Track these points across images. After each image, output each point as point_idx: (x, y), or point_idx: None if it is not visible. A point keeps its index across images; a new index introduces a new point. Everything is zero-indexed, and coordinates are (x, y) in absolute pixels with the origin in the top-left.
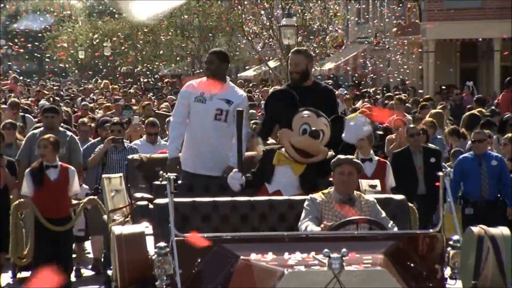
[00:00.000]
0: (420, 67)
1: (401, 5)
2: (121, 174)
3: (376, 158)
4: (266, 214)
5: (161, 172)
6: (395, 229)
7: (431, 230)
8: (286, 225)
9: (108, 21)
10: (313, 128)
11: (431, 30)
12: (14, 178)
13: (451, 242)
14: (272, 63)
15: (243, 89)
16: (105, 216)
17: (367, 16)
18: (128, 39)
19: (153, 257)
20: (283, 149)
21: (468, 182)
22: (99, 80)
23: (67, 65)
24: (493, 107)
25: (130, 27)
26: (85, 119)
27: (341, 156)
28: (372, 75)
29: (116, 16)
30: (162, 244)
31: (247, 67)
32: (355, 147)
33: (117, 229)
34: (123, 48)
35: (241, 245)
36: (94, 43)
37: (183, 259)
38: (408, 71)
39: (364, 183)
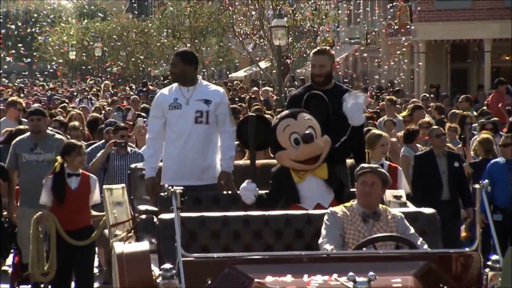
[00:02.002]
0: (409, 68)
1: (391, 5)
2: (123, 185)
3: (387, 163)
4: (281, 230)
5: (166, 185)
6: (425, 246)
7: (466, 249)
8: (304, 242)
9: (99, 21)
10: (303, 133)
11: (421, 31)
12: (6, 184)
13: (489, 263)
14: (263, 64)
15: (229, 93)
16: (106, 231)
17: (358, 20)
18: (118, 40)
19: (158, 280)
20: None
21: (497, 188)
22: (90, 81)
23: (58, 66)
24: (484, 108)
25: (121, 28)
26: (76, 123)
27: (365, 165)
28: (365, 77)
29: (107, 17)
30: (167, 265)
31: (238, 68)
32: (362, 127)
33: (118, 247)
34: (114, 48)
35: (255, 266)
36: (85, 43)
37: (190, 282)
38: (398, 72)
39: (388, 194)
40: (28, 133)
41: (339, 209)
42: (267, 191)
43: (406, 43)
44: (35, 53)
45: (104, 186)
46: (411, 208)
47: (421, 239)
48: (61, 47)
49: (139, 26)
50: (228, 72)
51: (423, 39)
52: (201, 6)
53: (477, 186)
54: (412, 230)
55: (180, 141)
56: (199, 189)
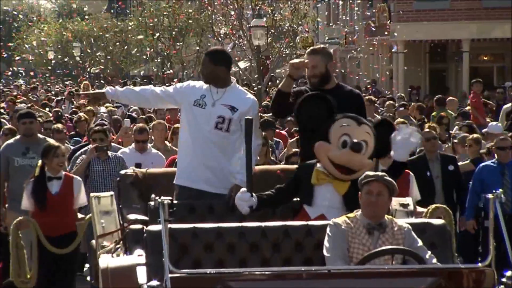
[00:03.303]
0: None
1: (370, 3)
2: (112, 193)
3: None
4: (279, 242)
5: (153, 195)
6: (434, 260)
7: (479, 264)
8: (304, 256)
9: (77, 21)
10: (355, 140)
11: (400, 31)
12: None
13: (504, 279)
14: (242, 64)
15: None
16: (93, 241)
17: (338, 22)
18: (97, 40)
19: None
20: (318, 164)
21: (489, 193)
22: (68, 82)
23: (35, 66)
24: (466, 109)
25: (99, 28)
26: (59, 125)
27: (370, 173)
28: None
29: (85, 17)
30: (154, 282)
31: None
32: (407, 164)
33: (103, 261)
34: (93, 49)
35: (251, 283)
36: (63, 44)
37: None
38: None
39: (394, 202)
40: (17, 137)
41: (342, 220)
42: (281, 186)
43: (385, 43)
44: (13, 53)
45: (92, 194)
46: (419, 219)
47: (429, 252)
48: (39, 47)
49: (118, 26)
50: None
51: (402, 39)
52: (180, 5)
53: (490, 196)
54: (420, 243)
55: (196, 142)
56: (210, 196)
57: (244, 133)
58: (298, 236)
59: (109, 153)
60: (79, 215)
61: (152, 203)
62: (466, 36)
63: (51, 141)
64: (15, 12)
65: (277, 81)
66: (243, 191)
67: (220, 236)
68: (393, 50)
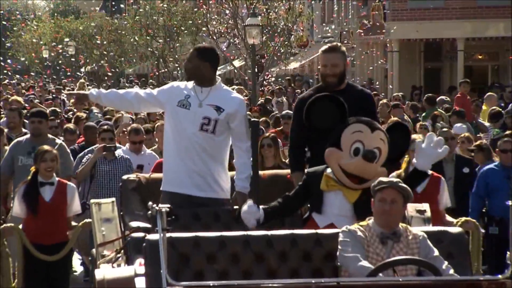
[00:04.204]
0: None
1: (364, 2)
2: (113, 199)
3: (430, 172)
4: (287, 252)
5: (150, 203)
6: (451, 271)
7: (499, 276)
8: (312, 266)
9: (72, 20)
10: (368, 149)
11: (395, 30)
12: None
13: None
14: (237, 63)
15: None
16: (93, 250)
17: (331, 19)
18: (92, 39)
19: None
20: (328, 169)
21: (494, 197)
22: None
23: (30, 64)
24: (456, 108)
25: (94, 26)
26: (72, 125)
27: (383, 179)
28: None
29: (81, 16)
30: None
31: None
32: (427, 174)
33: (100, 272)
34: (87, 47)
35: None
36: (58, 42)
37: None
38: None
39: (410, 208)
40: (27, 136)
41: (356, 227)
42: (288, 194)
43: (379, 42)
44: (8, 51)
45: (92, 201)
46: (435, 227)
47: (446, 263)
48: (34, 45)
49: (113, 24)
50: None
51: (396, 38)
52: (175, 4)
53: (510, 202)
54: (436, 252)
55: (180, 144)
56: (198, 200)
57: (250, 137)
58: (307, 245)
59: (116, 153)
60: (74, 224)
61: (148, 212)
62: (460, 35)
63: (59, 142)
64: (6, 10)
65: (272, 79)
66: (250, 204)
67: (223, 245)
68: (387, 49)
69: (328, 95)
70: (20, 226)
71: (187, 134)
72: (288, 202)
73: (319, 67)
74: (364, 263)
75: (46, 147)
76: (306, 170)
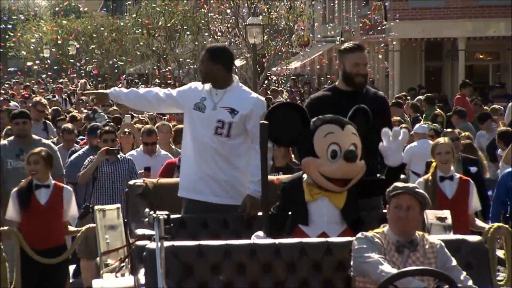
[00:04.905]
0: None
1: (365, 1)
2: (118, 206)
3: (458, 175)
4: (295, 261)
5: (147, 210)
6: (470, 283)
7: None
8: (323, 277)
9: (73, 20)
10: (346, 149)
11: (396, 29)
12: None
13: None
14: (238, 62)
15: None
16: (97, 259)
17: (332, 17)
18: (93, 38)
19: None
20: (305, 175)
21: None
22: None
23: (31, 64)
24: (457, 108)
25: (95, 26)
26: (70, 125)
27: (399, 184)
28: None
29: (82, 16)
30: None
31: None
32: (404, 165)
33: (96, 282)
34: (89, 47)
35: None
36: (59, 42)
37: None
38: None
39: (431, 215)
40: (12, 138)
41: (372, 234)
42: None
43: (380, 41)
44: (9, 51)
45: (96, 207)
46: (454, 235)
47: (464, 273)
48: (35, 44)
49: (114, 24)
50: None
51: (397, 37)
52: (176, 4)
53: None
54: (454, 262)
55: (196, 149)
56: (213, 207)
57: (259, 140)
58: (316, 254)
59: (118, 155)
60: (71, 228)
61: (145, 220)
62: (461, 34)
63: (46, 142)
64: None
65: (273, 79)
66: (257, 234)
67: (228, 254)
68: (387, 48)
69: (286, 103)
70: None
71: (202, 138)
72: (278, 216)
73: (318, 66)
74: (386, 267)
75: (36, 150)
76: (282, 181)
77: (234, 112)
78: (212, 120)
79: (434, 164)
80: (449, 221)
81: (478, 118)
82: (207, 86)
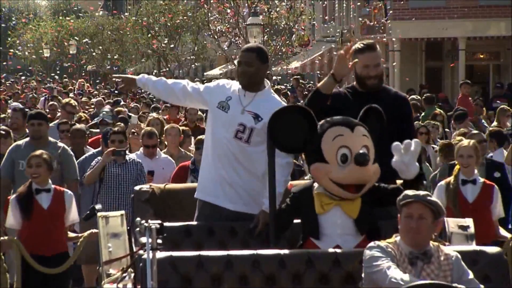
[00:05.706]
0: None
1: (366, 1)
2: (122, 212)
3: (482, 180)
4: (301, 273)
5: (138, 219)
6: None
7: None
8: None
9: (73, 19)
10: (357, 152)
11: (396, 29)
12: None
13: None
14: None
15: None
16: (99, 268)
17: (333, 17)
18: (93, 38)
19: None
20: (315, 184)
21: None
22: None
23: (32, 63)
24: (459, 107)
25: (95, 25)
26: (81, 126)
27: (409, 192)
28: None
29: (82, 15)
30: None
31: (213, 66)
32: (421, 176)
33: None
34: (88, 47)
35: None
36: (59, 41)
37: None
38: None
39: (452, 223)
40: (27, 139)
41: (385, 244)
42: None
43: (381, 41)
44: (10, 50)
45: (99, 214)
46: (470, 246)
47: (482, 287)
48: (35, 44)
49: (114, 23)
50: (203, 70)
51: (398, 37)
52: (176, 3)
53: None
54: (471, 275)
55: (215, 150)
56: (228, 213)
57: (267, 149)
58: (323, 266)
59: (127, 157)
60: (71, 235)
61: (137, 229)
62: (462, 34)
63: (61, 145)
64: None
65: (273, 79)
66: None
67: (230, 266)
68: (388, 48)
69: (290, 106)
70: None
71: (221, 140)
72: (281, 221)
73: (317, 68)
74: (396, 273)
75: (38, 152)
76: (291, 190)
77: (258, 119)
78: (233, 122)
79: (457, 167)
80: (471, 230)
81: (456, 118)
82: (237, 85)
